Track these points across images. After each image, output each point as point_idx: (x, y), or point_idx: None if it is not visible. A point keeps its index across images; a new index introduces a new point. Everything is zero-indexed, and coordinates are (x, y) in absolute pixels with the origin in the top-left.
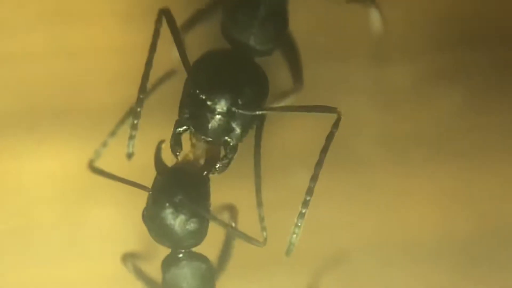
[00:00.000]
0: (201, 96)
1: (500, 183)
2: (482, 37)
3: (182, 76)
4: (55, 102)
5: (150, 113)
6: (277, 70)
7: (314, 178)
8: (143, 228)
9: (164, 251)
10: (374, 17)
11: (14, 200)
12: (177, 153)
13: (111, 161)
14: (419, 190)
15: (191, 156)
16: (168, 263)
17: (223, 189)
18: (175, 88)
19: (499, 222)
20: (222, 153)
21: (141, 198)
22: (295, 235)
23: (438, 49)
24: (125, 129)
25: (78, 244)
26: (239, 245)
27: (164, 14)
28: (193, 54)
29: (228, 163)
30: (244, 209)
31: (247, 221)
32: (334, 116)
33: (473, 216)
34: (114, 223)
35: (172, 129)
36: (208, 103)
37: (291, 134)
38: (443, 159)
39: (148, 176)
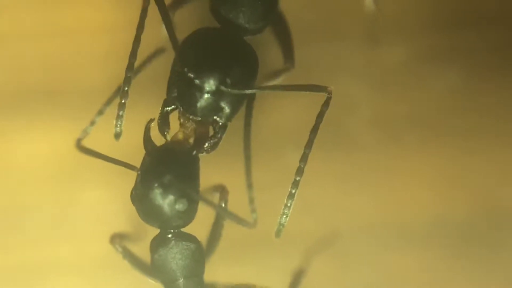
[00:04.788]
0: (189, 74)
1: (494, 165)
2: (477, 17)
3: (170, 55)
4: (45, 83)
5: (139, 92)
6: (267, 49)
7: (304, 158)
8: (133, 208)
9: (153, 232)
10: None
11: (3, 180)
12: (165, 133)
13: (100, 141)
14: (413, 171)
15: (180, 136)
16: (157, 243)
17: (213, 170)
18: (163, 67)
19: (494, 204)
20: (211, 132)
21: (131, 179)
22: (284, 216)
23: (432, 29)
24: (114, 108)
25: (67, 225)
26: (229, 226)
27: None
28: (182, 33)
29: (217, 143)
30: (234, 190)
31: (237, 202)
32: (325, 96)
33: (467, 198)
34: (104, 203)
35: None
36: (197, 81)
37: (281, 114)
38: (437, 140)
39: (137, 157)
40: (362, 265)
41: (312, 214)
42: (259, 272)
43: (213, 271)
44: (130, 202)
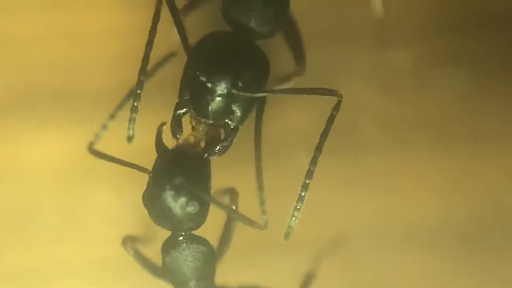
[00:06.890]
0: (201, 78)
1: (499, 169)
2: (484, 21)
3: (182, 58)
4: (54, 85)
5: (151, 96)
6: (279, 53)
7: (313, 161)
8: (142, 211)
9: (164, 235)
10: (376, 0)
11: (12, 182)
12: (178, 136)
13: (111, 144)
14: (419, 175)
15: (191, 139)
16: (168, 246)
17: (224, 173)
18: (175, 71)
19: (498, 208)
20: (223, 135)
21: (140, 182)
22: (294, 218)
23: (439, 33)
24: (125, 112)
25: (76, 227)
26: (239, 229)
27: None
28: (194, 36)
29: (228, 146)
30: (244, 193)
31: (247, 205)
32: (335, 99)
33: (473, 202)
34: (113, 206)
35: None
36: (208, 85)
37: (292, 118)
38: (443, 144)
39: (148, 161)
40: (368, 268)
41: (319, 217)
42: (268, 274)
43: (222, 273)
44: (139, 204)
